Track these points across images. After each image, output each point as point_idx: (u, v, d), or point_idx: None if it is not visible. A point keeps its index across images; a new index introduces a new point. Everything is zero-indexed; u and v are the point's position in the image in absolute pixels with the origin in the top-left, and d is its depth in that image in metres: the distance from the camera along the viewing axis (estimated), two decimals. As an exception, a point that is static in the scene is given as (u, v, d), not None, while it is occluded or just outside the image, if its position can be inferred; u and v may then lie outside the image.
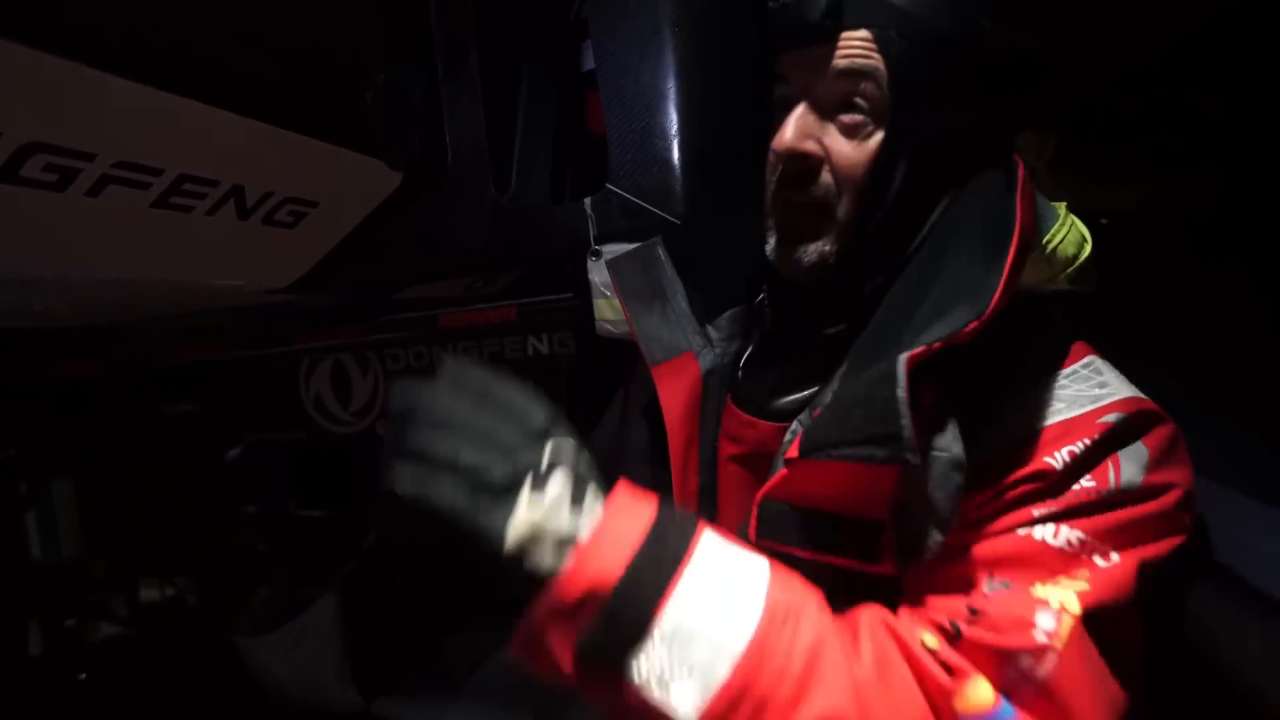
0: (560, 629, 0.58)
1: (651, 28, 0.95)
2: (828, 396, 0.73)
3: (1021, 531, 0.67)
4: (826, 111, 0.75)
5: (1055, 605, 0.63)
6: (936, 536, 0.64)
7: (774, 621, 0.59)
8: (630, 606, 0.57)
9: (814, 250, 0.77)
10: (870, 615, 0.67)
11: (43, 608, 2.47)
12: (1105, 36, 1.48)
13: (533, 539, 0.58)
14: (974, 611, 0.64)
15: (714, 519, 0.85)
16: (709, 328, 0.92)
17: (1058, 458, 0.68)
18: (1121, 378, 0.75)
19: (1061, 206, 0.81)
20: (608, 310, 1.07)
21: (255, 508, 1.93)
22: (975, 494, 0.68)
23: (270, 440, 1.90)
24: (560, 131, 1.10)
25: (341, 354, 1.74)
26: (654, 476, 0.90)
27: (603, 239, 1.06)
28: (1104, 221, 0.89)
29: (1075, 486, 0.67)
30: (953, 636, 0.63)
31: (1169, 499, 0.68)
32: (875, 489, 0.65)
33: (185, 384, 1.89)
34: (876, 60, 0.72)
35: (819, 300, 0.79)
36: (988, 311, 0.66)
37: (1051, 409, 0.71)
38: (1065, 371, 0.74)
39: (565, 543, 0.59)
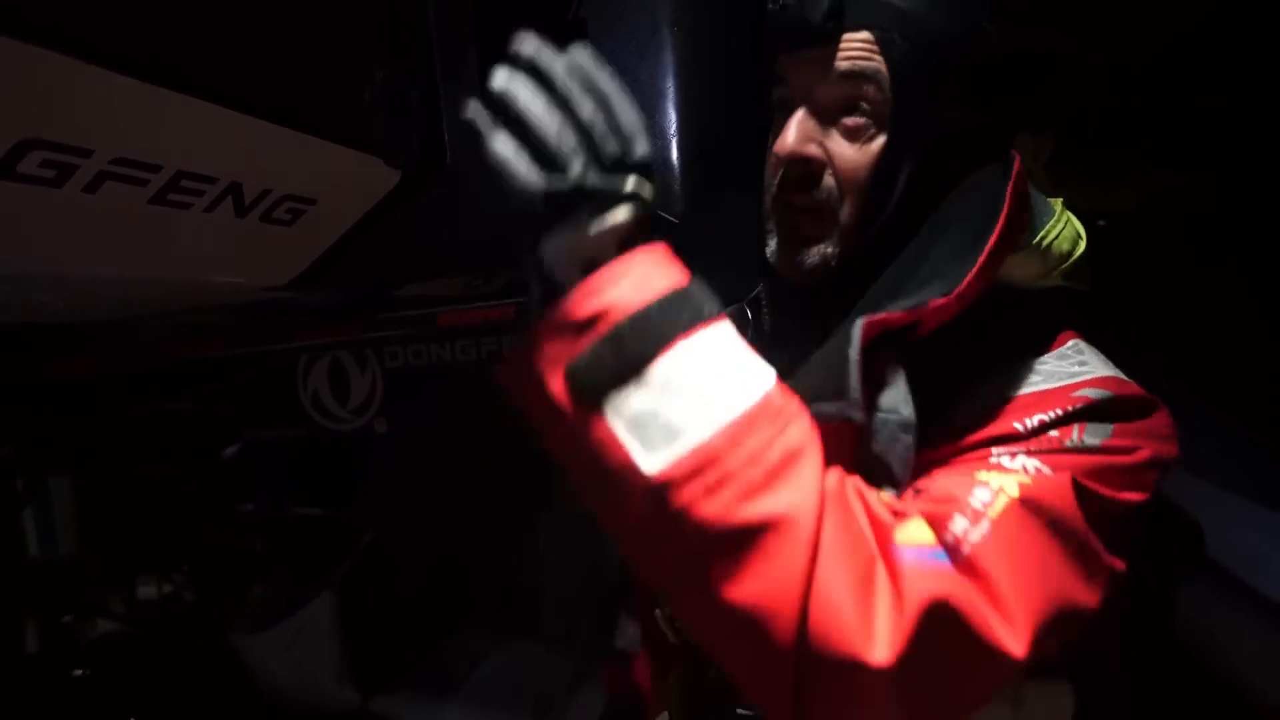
0: (558, 343, 0.57)
1: (650, 27, 0.95)
2: None
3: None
4: (828, 114, 0.75)
5: (995, 486, 0.63)
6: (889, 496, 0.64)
7: (766, 411, 0.57)
8: (634, 340, 0.56)
9: (816, 253, 0.76)
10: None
11: (40, 605, 2.47)
12: (1104, 36, 1.48)
13: (571, 247, 0.58)
14: (918, 490, 0.65)
15: None
16: None
17: (1026, 424, 0.67)
18: (1105, 361, 0.75)
19: (1058, 203, 0.81)
20: None
21: (253, 506, 1.93)
22: (941, 448, 0.69)
23: (268, 438, 1.90)
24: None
25: (339, 352, 1.74)
26: None
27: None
28: (1101, 224, 0.89)
29: (1037, 438, 0.67)
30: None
31: (1133, 456, 0.67)
32: (839, 448, 0.63)
33: (183, 382, 1.89)
34: (878, 62, 0.71)
35: (819, 301, 0.78)
36: (955, 291, 0.66)
37: (1028, 381, 0.71)
38: (1048, 354, 0.74)
39: (595, 263, 0.58)
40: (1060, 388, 0.70)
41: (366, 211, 0.91)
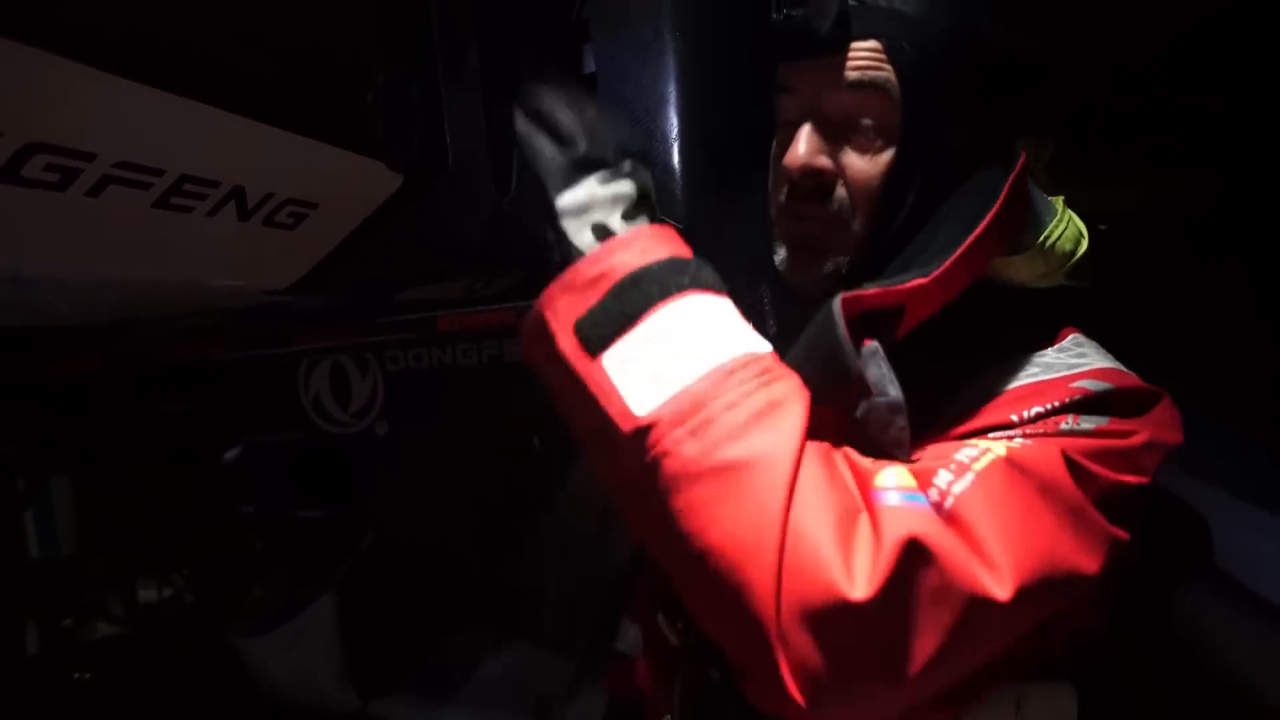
0: (568, 301, 0.64)
1: (652, 31, 0.95)
2: None
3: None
4: (837, 125, 0.74)
5: (981, 448, 0.63)
6: None
7: (752, 364, 0.61)
8: (632, 294, 0.62)
9: (829, 263, 0.76)
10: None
11: (40, 606, 2.47)
12: (1104, 36, 1.48)
13: (580, 210, 0.67)
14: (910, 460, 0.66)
15: None
16: None
17: (1022, 414, 0.68)
18: (1106, 354, 0.75)
19: (1059, 201, 0.81)
20: None
21: (253, 508, 1.93)
22: (939, 437, 0.69)
23: (269, 441, 1.90)
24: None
25: (340, 355, 1.74)
26: None
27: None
28: (1102, 228, 0.89)
29: (1032, 424, 0.67)
30: None
31: (1129, 440, 0.67)
32: (834, 434, 0.65)
33: (184, 384, 1.89)
34: (887, 72, 0.71)
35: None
36: (933, 275, 0.66)
37: (1026, 374, 0.71)
38: (1048, 348, 0.74)
39: (603, 231, 0.67)
40: (1058, 379, 0.70)
41: (368, 215, 0.91)
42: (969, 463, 0.62)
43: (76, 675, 2.25)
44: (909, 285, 0.66)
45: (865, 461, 0.63)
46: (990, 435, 0.67)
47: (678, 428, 0.58)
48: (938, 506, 0.59)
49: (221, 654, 1.93)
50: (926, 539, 0.56)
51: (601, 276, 0.63)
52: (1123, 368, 0.73)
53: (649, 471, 0.59)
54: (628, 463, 0.61)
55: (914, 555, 0.55)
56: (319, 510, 1.86)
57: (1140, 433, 0.67)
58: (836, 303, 0.63)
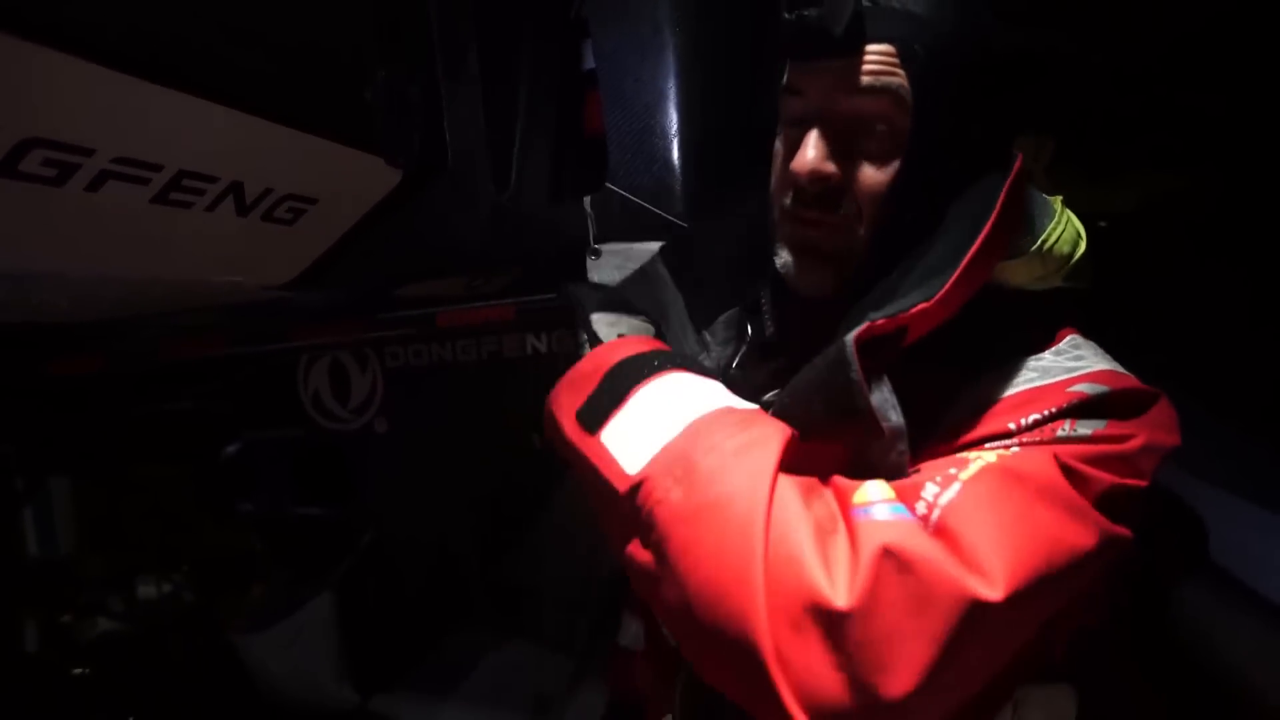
0: (569, 395, 0.76)
1: (652, 27, 0.95)
2: None
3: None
4: (846, 129, 0.72)
5: (972, 458, 0.64)
6: None
7: (729, 413, 0.68)
8: (618, 380, 0.74)
9: (833, 268, 0.76)
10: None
11: (39, 605, 2.47)
12: (1104, 36, 1.48)
13: (611, 324, 0.86)
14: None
15: None
16: (705, 333, 0.92)
17: (1020, 422, 0.67)
18: (1104, 355, 0.75)
19: (1057, 201, 0.80)
20: None
21: (252, 506, 1.93)
22: (938, 449, 0.69)
23: (268, 438, 1.90)
24: (560, 130, 1.10)
25: (340, 351, 1.74)
26: None
27: (602, 238, 1.06)
28: (1102, 225, 0.89)
29: (1029, 432, 0.67)
30: None
31: (1126, 445, 0.66)
32: (834, 460, 0.68)
33: (183, 381, 1.89)
34: (900, 77, 0.69)
35: (823, 308, 0.77)
36: (936, 297, 0.66)
37: (1023, 379, 0.71)
38: (1046, 351, 0.74)
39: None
40: (1055, 383, 0.70)
41: (367, 211, 0.91)
42: (956, 473, 0.62)
43: (76, 673, 2.25)
44: (914, 310, 0.66)
45: (847, 481, 0.64)
46: (988, 445, 0.67)
47: (665, 479, 0.63)
48: (925, 519, 0.59)
49: (221, 652, 1.93)
50: (902, 547, 0.56)
51: (595, 369, 0.76)
52: (1120, 368, 0.73)
53: (645, 525, 0.64)
54: (627, 520, 0.66)
55: (890, 564, 0.56)
56: (318, 508, 1.86)
57: (1138, 436, 0.67)
58: (850, 345, 0.63)
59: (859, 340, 0.63)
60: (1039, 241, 0.76)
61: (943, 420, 0.70)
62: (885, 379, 0.65)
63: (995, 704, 0.68)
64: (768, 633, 0.55)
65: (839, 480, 0.65)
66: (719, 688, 0.63)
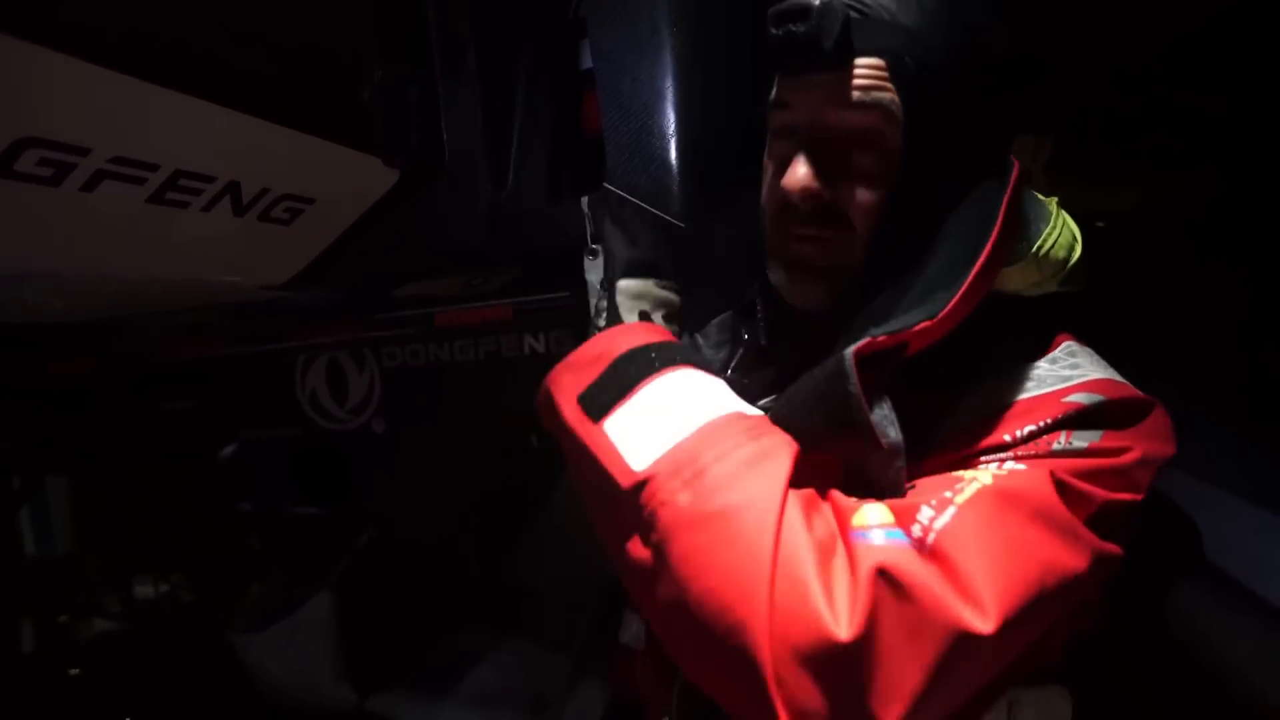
0: (571, 378, 0.73)
1: (650, 27, 0.95)
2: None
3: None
4: (838, 143, 0.71)
5: (968, 478, 0.63)
6: None
7: (740, 419, 0.66)
8: (628, 369, 0.71)
9: (826, 282, 0.75)
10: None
11: (36, 604, 2.47)
12: (1104, 37, 1.48)
13: (635, 296, 0.82)
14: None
15: None
16: (698, 336, 0.92)
17: (1015, 434, 0.66)
18: (1099, 361, 0.74)
19: (1053, 203, 0.79)
20: None
21: (250, 505, 1.93)
22: (935, 462, 0.68)
23: (265, 438, 1.90)
24: (558, 130, 1.10)
25: (337, 351, 1.74)
26: None
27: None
28: (1100, 225, 0.88)
29: (1024, 445, 0.66)
30: None
31: (1122, 458, 0.66)
32: (830, 475, 0.67)
33: (180, 381, 1.89)
34: (891, 91, 0.68)
35: (817, 319, 0.77)
36: (938, 316, 0.65)
37: (1020, 388, 0.70)
38: (1041, 359, 0.73)
39: (646, 319, 0.81)
40: (1050, 393, 0.69)
41: (365, 211, 0.91)
42: (951, 496, 0.61)
43: (73, 672, 2.25)
44: (916, 328, 0.65)
45: (847, 501, 0.63)
46: (983, 460, 0.67)
47: (673, 480, 0.62)
48: (920, 543, 0.58)
49: (219, 652, 1.93)
50: (899, 574, 0.56)
51: (602, 355, 0.73)
52: (1115, 375, 0.72)
53: (647, 524, 0.62)
54: (628, 517, 0.64)
55: (888, 591, 0.55)
56: (316, 508, 1.86)
57: (1134, 449, 0.66)
58: (849, 359, 0.63)
59: (859, 354, 0.63)
60: (1034, 247, 0.75)
61: (939, 432, 0.69)
62: (885, 395, 0.64)
63: (985, 705, 0.67)
64: (769, 654, 0.55)
65: (838, 497, 0.64)
66: (706, 690, 0.63)
